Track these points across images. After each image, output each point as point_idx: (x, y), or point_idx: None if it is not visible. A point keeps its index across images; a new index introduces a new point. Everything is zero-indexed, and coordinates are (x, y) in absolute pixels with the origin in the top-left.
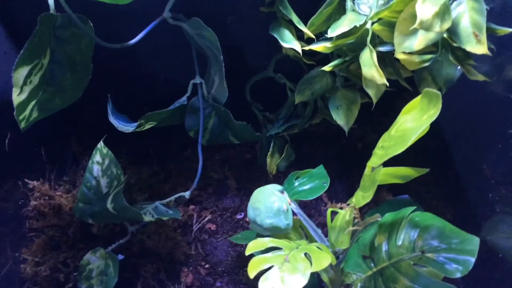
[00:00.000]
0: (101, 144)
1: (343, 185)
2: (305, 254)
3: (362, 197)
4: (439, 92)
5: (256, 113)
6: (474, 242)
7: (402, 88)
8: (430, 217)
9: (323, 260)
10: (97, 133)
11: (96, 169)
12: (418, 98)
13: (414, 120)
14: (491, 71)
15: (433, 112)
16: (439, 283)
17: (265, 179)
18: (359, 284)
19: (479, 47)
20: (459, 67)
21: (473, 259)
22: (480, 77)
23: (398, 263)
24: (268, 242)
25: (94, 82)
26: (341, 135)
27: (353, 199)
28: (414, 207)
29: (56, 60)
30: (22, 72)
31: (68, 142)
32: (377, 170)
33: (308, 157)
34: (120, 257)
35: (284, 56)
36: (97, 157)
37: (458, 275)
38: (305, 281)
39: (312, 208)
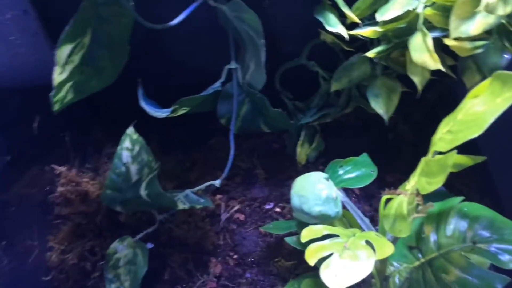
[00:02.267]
0: (131, 130)
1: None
2: (366, 241)
3: (427, 183)
4: None
5: (286, 102)
6: None
7: (433, 80)
8: (479, 207)
9: (386, 248)
10: (120, 121)
11: (125, 155)
12: (487, 81)
13: (486, 103)
14: None
15: (509, 95)
16: (493, 274)
17: (294, 169)
18: (403, 275)
19: None
20: (506, 56)
21: None
22: None
23: (448, 254)
24: (322, 229)
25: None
26: (371, 125)
27: (409, 185)
28: (462, 197)
29: (96, 39)
30: (65, 50)
31: (91, 129)
32: (450, 154)
33: (337, 147)
34: (150, 245)
35: (319, 43)
36: (126, 143)
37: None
38: (370, 269)
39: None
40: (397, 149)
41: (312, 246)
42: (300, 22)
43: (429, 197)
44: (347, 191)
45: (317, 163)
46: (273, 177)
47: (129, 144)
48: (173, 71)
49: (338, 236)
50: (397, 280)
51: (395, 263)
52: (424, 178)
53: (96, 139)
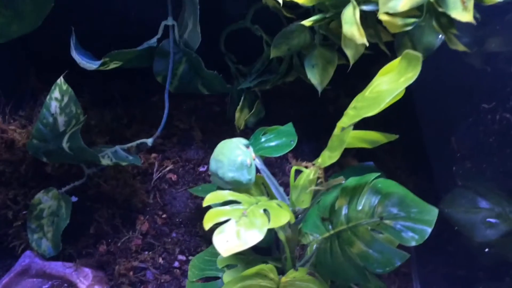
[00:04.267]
0: (61, 80)
1: (310, 146)
2: (264, 210)
3: (328, 157)
4: (420, 54)
5: (229, 65)
6: (432, 212)
7: (380, 53)
8: (392, 184)
9: (282, 217)
10: (60, 69)
11: (54, 105)
12: (397, 60)
13: (391, 82)
14: (472, 42)
15: (411, 75)
16: (394, 250)
17: (232, 134)
18: (315, 245)
19: (464, 14)
20: (440, 36)
21: (429, 229)
22: (461, 47)
23: (355, 227)
24: (227, 195)
25: (59, 14)
26: (314, 95)
27: (319, 159)
28: (378, 174)
29: None
30: None
31: (27, 76)
32: (347, 131)
33: (278, 115)
34: (74, 199)
35: (264, 7)
36: (55, 93)
37: (413, 243)
38: (261, 236)
39: (277, 167)
40: (336, 121)
41: (212, 211)
42: None
43: (357, 172)
44: (283, 159)
45: (256, 130)
46: (210, 140)
47: (58, 94)
48: (114, 22)
49: (240, 203)
50: (313, 249)
51: (315, 234)
52: (327, 152)
53: (34, 87)
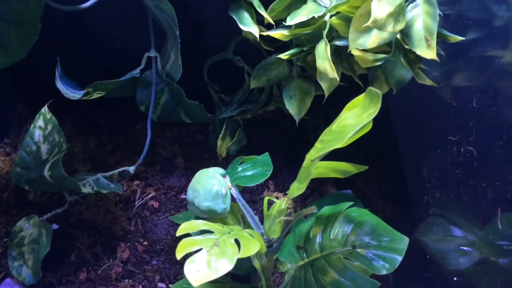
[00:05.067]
0: (45, 109)
1: (291, 174)
2: (235, 240)
3: (296, 188)
4: (379, 92)
5: (212, 94)
6: (403, 241)
7: (358, 84)
8: (365, 213)
9: (252, 247)
10: (46, 97)
11: (37, 134)
12: (362, 96)
13: (355, 117)
14: (440, 77)
15: (373, 111)
16: (365, 279)
17: (214, 162)
18: (292, 274)
19: (428, 52)
20: None
21: (400, 258)
22: (428, 82)
23: (329, 256)
24: (201, 224)
25: (46, 45)
26: (295, 125)
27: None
28: (352, 203)
29: (0, 15)
30: None
31: (13, 103)
32: (313, 163)
33: (260, 144)
34: (55, 226)
35: (245, 40)
36: (39, 122)
37: (384, 272)
38: (230, 266)
39: (257, 195)
40: None
41: (184, 240)
42: (227, 16)
43: (335, 200)
44: (264, 188)
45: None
46: (192, 168)
47: (42, 123)
48: (99, 53)
49: (213, 232)
50: (290, 277)
51: (290, 262)
52: (296, 184)
53: (20, 114)
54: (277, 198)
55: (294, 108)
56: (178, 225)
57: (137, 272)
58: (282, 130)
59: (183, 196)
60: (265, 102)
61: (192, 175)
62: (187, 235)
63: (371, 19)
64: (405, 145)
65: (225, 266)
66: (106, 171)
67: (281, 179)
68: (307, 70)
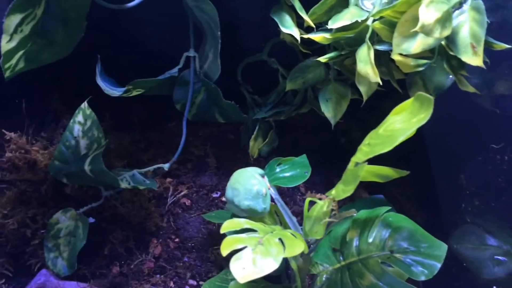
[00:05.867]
0: (85, 105)
1: (322, 177)
2: (279, 239)
3: (342, 190)
4: (431, 97)
5: (245, 95)
6: (442, 248)
7: (391, 89)
8: (403, 219)
9: (297, 247)
10: (82, 93)
11: (77, 129)
12: (410, 100)
13: (404, 122)
14: (481, 84)
15: (423, 116)
16: (403, 283)
17: (246, 162)
18: (324, 275)
19: (474, 59)
20: (451, 76)
21: (439, 265)
22: (471, 89)
23: (366, 260)
24: (243, 223)
25: (86, 41)
26: (326, 128)
27: (333, 192)
28: (389, 207)
29: (50, 12)
30: (14, 19)
31: (51, 98)
32: (361, 166)
33: (291, 146)
34: (91, 220)
35: (281, 41)
36: (79, 117)
37: (423, 278)
38: (276, 265)
39: (288, 196)
40: (347, 153)
41: (229, 238)
42: (264, 19)
43: (367, 204)
44: (295, 189)
45: (269, 159)
46: (223, 167)
47: (81, 118)
48: (137, 52)
49: (256, 231)
50: (323, 279)
51: (325, 264)
52: (341, 186)
53: (56, 109)
54: (319, 199)
55: (330, 111)
56: (210, 223)
57: (169, 268)
58: (313, 132)
59: (214, 195)
60: (299, 105)
61: (224, 174)
62: (222, 234)
63: (419, 24)
64: (439, 151)
65: (270, 265)
66: (140, 168)
67: (311, 182)
68: (343, 74)
